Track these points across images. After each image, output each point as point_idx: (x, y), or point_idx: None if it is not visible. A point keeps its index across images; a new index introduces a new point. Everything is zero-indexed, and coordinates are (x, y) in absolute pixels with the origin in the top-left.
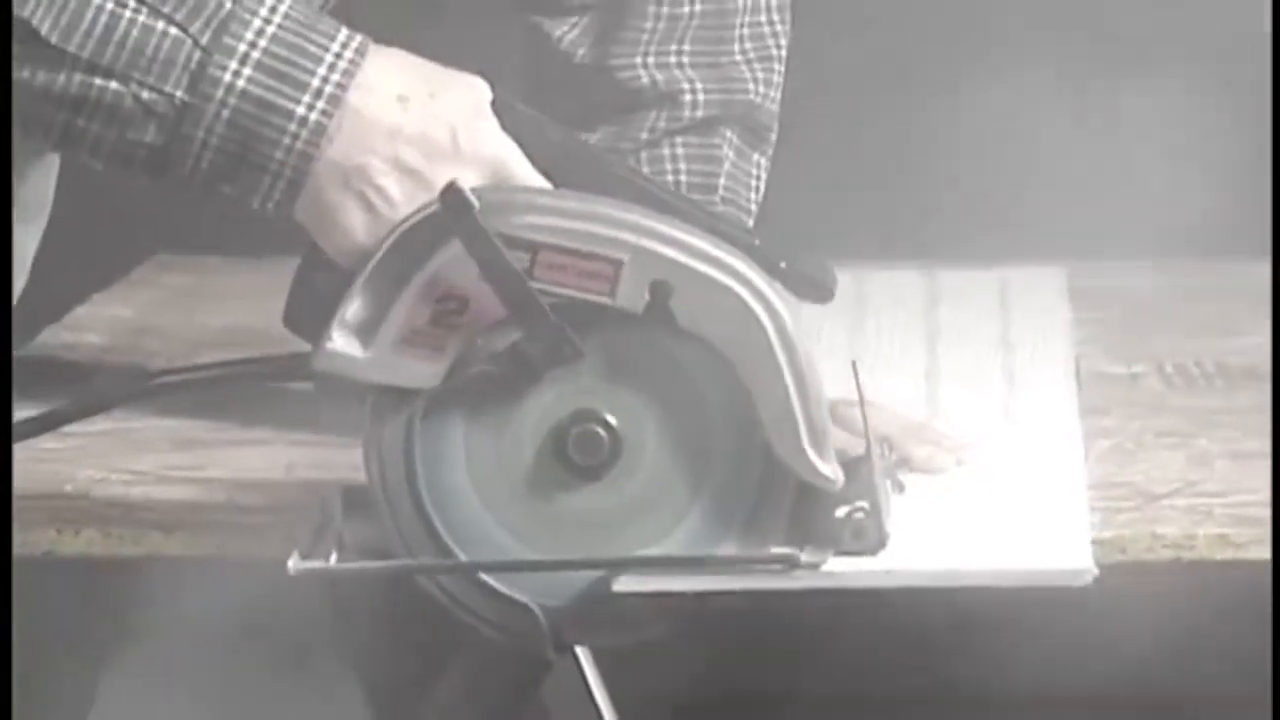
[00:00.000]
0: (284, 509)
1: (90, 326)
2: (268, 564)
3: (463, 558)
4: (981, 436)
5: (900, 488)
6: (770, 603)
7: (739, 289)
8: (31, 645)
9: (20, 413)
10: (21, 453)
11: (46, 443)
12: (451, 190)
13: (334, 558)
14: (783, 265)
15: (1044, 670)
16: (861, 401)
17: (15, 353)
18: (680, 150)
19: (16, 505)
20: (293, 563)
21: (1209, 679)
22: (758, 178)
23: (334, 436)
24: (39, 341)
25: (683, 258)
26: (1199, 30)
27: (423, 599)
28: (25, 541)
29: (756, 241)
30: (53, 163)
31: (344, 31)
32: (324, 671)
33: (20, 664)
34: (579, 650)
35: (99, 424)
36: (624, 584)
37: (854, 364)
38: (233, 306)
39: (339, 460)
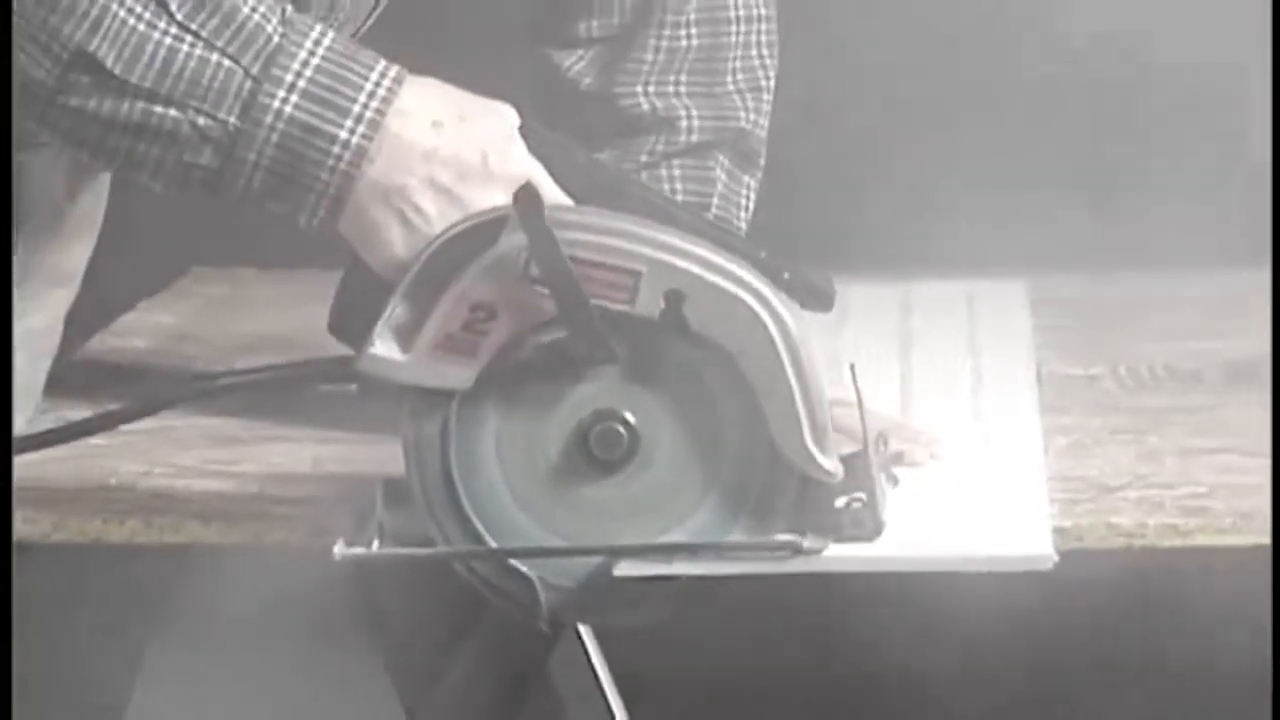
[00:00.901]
0: (311, 500)
1: (136, 332)
2: (298, 550)
3: (493, 544)
4: (952, 434)
5: (895, 481)
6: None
7: (747, 297)
8: (77, 626)
9: (74, 411)
10: (71, 449)
11: (95, 439)
12: (526, 190)
13: (375, 545)
14: (786, 276)
15: (1009, 646)
16: (860, 401)
17: (69, 356)
18: (677, 172)
19: (67, 497)
20: (338, 549)
21: (1158, 653)
22: (747, 198)
23: (357, 434)
24: (90, 345)
25: (695, 269)
26: (1161, 54)
27: (445, 575)
28: (74, 530)
29: (762, 254)
30: (104, 184)
31: (382, 62)
32: (351, 650)
33: (65, 646)
34: (583, 630)
35: (143, 422)
36: (624, 569)
37: (852, 367)
38: (264, 315)
39: (362, 455)
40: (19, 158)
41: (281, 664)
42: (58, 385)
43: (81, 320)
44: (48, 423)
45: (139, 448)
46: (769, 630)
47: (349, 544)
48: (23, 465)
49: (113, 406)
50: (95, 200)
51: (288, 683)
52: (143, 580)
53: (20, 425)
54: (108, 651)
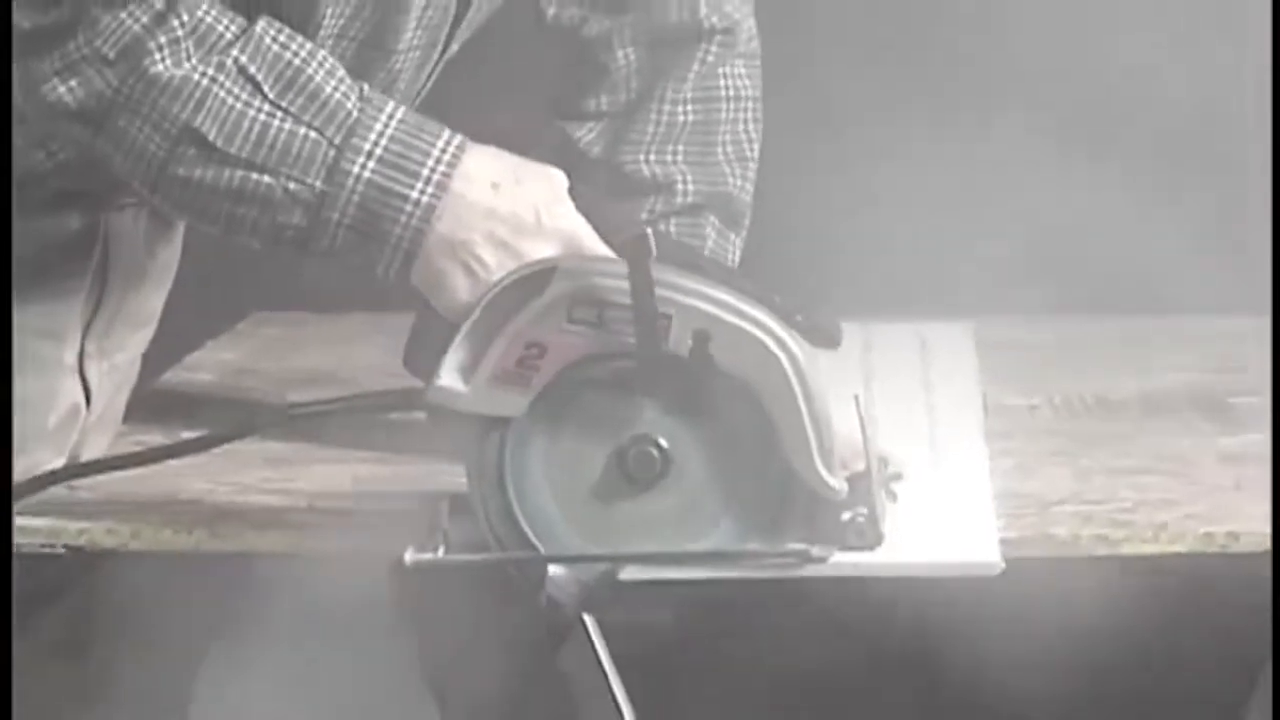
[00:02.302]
0: (353, 513)
1: (203, 368)
2: (346, 557)
3: (541, 550)
4: (909, 457)
5: (894, 497)
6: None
7: (764, 337)
8: (150, 626)
9: (148, 436)
10: (146, 469)
11: (167, 460)
12: (639, 240)
13: (441, 551)
14: (799, 318)
15: (964, 644)
16: (863, 427)
17: (146, 388)
18: (673, 229)
19: (143, 511)
20: (409, 555)
21: (1096, 649)
22: (733, 252)
23: (393, 455)
24: (164, 379)
25: (719, 312)
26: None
27: (486, 577)
28: (149, 539)
29: (777, 298)
30: (178, 241)
31: (447, 132)
32: (391, 647)
33: (139, 645)
34: (592, 630)
35: None
36: (630, 573)
37: (856, 399)
38: (316, 353)
39: (397, 474)
40: (107, 217)
41: (328, 660)
42: (135, 413)
43: (157, 357)
44: (127, 446)
45: (205, 468)
46: (775, 630)
47: (418, 550)
48: (105, 482)
49: (200, 432)
50: (171, 254)
51: (334, 677)
52: (207, 584)
53: (103, 447)
54: (176, 649)
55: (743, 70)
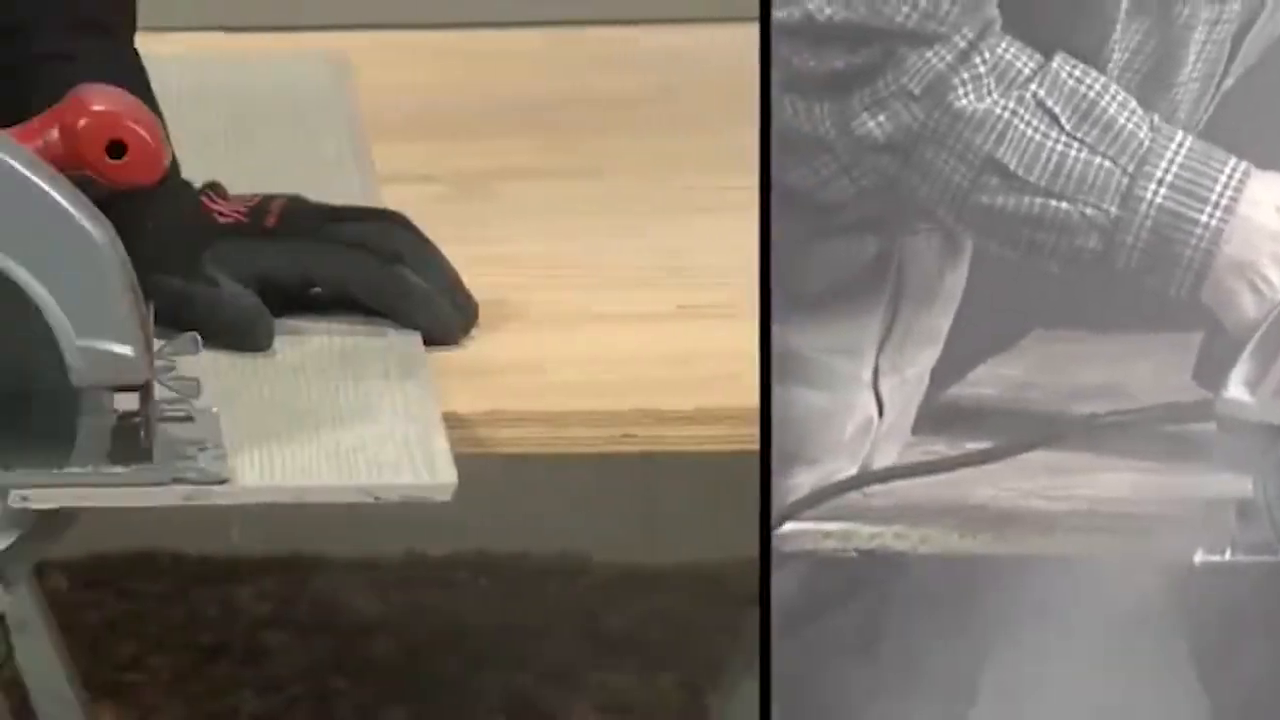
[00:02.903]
0: (1135, 517)
1: (986, 383)
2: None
3: None
4: None
5: None
6: None
7: None
8: (934, 626)
9: (936, 447)
10: (934, 477)
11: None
12: None
13: (1228, 554)
14: None
15: None
16: None
17: (932, 402)
18: None
19: (932, 516)
20: (1198, 557)
21: None
22: None
23: (1167, 465)
24: (948, 392)
25: None
26: None
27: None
28: (937, 543)
29: None
30: (964, 264)
31: (1233, 159)
32: (1163, 644)
33: (921, 643)
34: None
35: None
36: None
37: None
38: (1095, 369)
39: (1176, 482)
40: (901, 241)
41: (1107, 659)
42: (923, 424)
43: (942, 372)
44: (915, 455)
45: (989, 475)
46: None
47: (1207, 553)
48: (896, 489)
49: (985, 442)
50: (957, 278)
51: (1112, 675)
52: (988, 586)
53: (893, 456)
54: (960, 649)
55: None
